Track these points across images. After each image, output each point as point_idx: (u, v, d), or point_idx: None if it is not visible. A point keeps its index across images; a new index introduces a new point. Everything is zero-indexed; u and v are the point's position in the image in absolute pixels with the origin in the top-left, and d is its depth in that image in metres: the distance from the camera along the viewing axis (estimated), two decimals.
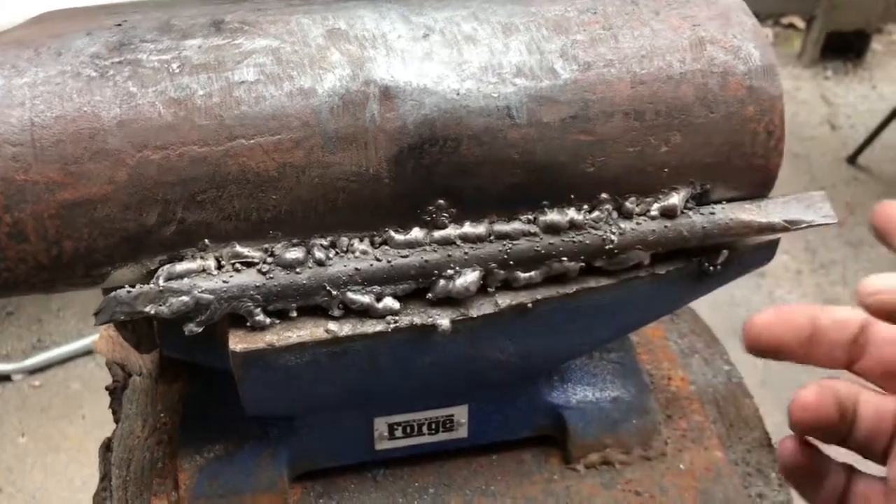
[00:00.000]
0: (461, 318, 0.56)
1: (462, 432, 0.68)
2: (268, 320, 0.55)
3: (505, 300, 0.57)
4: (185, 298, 0.53)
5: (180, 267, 0.54)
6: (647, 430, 0.70)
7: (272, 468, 0.65)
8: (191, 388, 0.71)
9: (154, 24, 0.56)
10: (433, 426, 0.67)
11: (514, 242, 0.56)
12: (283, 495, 0.66)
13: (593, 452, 0.69)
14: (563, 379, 0.69)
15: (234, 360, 0.54)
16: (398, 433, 0.67)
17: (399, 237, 0.56)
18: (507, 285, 0.58)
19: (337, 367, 0.57)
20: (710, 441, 0.72)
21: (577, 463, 0.69)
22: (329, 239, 0.56)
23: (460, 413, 0.67)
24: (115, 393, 0.79)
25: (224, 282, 0.54)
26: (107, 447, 0.75)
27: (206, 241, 0.54)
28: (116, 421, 0.78)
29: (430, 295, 0.56)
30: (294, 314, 0.55)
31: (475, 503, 0.67)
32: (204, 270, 0.54)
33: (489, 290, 0.57)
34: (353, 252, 0.56)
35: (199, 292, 0.53)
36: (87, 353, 1.95)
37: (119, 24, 0.57)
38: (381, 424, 0.66)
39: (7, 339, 1.99)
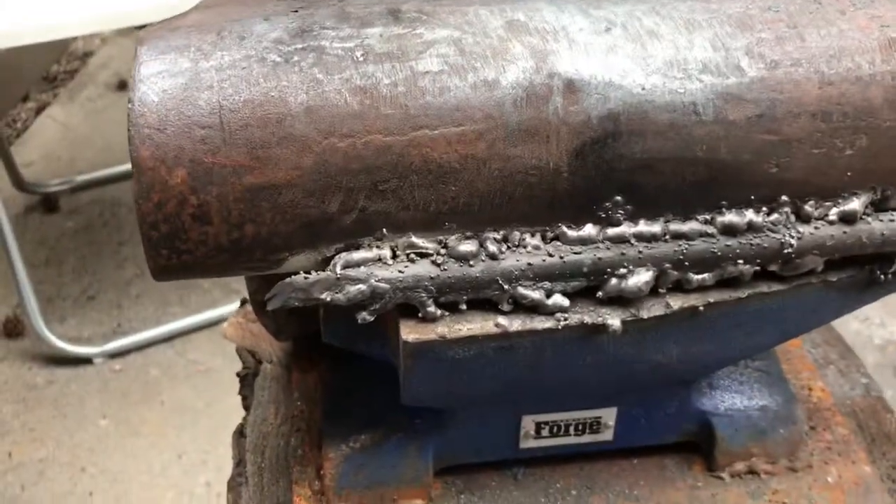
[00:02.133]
0: (631, 318, 0.55)
1: (607, 435, 0.67)
2: (439, 312, 0.54)
3: (676, 302, 0.56)
4: (361, 287, 0.53)
5: (357, 255, 0.53)
6: (794, 440, 0.68)
7: (418, 461, 0.65)
8: (331, 377, 0.71)
9: (331, 12, 0.56)
10: (580, 427, 0.66)
11: (690, 243, 0.55)
12: (427, 489, 0.66)
13: (739, 461, 0.68)
14: (712, 385, 0.68)
15: (404, 350, 0.54)
16: (545, 432, 0.66)
17: (572, 233, 0.55)
18: (679, 287, 0.56)
19: (501, 362, 0.56)
20: (857, 455, 0.70)
21: (721, 471, 0.68)
22: (502, 233, 0.55)
23: (608, 415, 0.66)
24: (246, 379, 0.79)
25: (399, 272, 0.53)
26: (240, 433, 0.75)
27: (384, 230, 0.54)
28: (246, 408, 0.78)
29: (600, 293, 0.55)
30: (464, 307, 0.55)
31: None
32: (380, 259, 0.54)
33: (660, 291, 0.56)
34: (524, 246, 0.55)
35: (376, 281, 0.53)
36: (166, 339, 1.98)
37: (295, 11, 0.57)
38: (528, 423, 0.65)
39: (88, 324, 2.03)
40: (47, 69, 2.79)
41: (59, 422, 1.81)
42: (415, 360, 0.55)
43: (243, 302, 0.84)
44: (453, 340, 0.54)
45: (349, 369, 0.70)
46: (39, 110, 2.68)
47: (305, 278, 0.53)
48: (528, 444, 0.67)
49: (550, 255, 0.55)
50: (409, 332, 0.54)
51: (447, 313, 0.55)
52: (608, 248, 0.55)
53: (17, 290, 1.86)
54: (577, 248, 0.55)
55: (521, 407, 0.65)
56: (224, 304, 1.97)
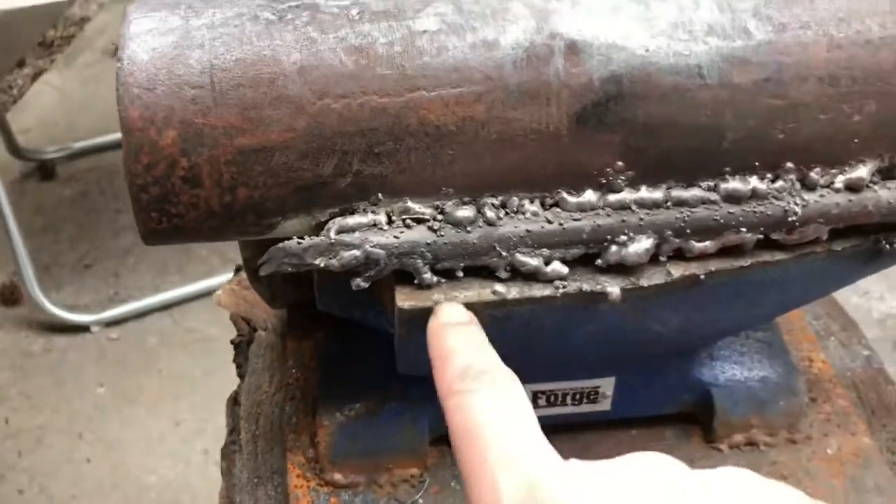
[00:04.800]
0: (631, 286, 0.54)
1: (605, 405, 0.66)
2: (434, 279, 0.53)
3: (677, 270, 0.55)
4: (356, 252, 0.52)
5: (352, 220, 0.52)
6: (794, 412, 0.68)
7: (414, 430, 0.64)
8: (327, 345, 0.70)
9: None
10: (577, 397, 0.65)
11: (692, 210, 0.54)
12: (423, 458, 0.65)
13: (738, 433, 0.67)
14: (712, 356, 0.67)
15: (399, 317, 0.53)
16: (541, 402, 0.65)
17: (572, 199, 0.54)
18: (679, 255, 0.55)
19: (498, 331, 0.55)
20: (856, 426, 0.69)
21: (720, 442, 0.67)
22: (500, 198, 0.54)
23: (607, 385, 0.65)
24: (240, 347, 0.79)
25: (395, 237, 0.52)
26: (234, 401, 0.74)
27: (380, 195, 0.52)
28: (240, 376, 0.77)
29: (599, 261, 0.54)
30: (460, 274, 0.54)
31: None
32: (375, 225, 0.53)
33: (661, 259, 0.55)
34: (523, 213, 0.54)
35: (371, 247, 0.52)
36: (163, 308, 1.98)
37: None
38: (525, 392, 0.64)
39: (85, 292, 2.02)
40: (43, 35, 2.76)
41: (57, 389, 1.82)
42: (410, 328, 0.54)
43: (237, 269, 0.83)
44: None
45: (345, 337, 0.69)
46: (35, 76, 2.66)
47: (299, 243, 0.52)
48: None
49: (549, 222, 0.53)
50: (405, 299, 0.53)
51: (443, 280, 0.54)
52: (608, 215, 0.54)
53: (13, 258, 1.86)
54: (576, 215, 0.54)
55: (518, 376, 0.64)
56: (222, 272, 1.97)
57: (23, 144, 2.29)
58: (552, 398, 0.65)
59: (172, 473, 1.67)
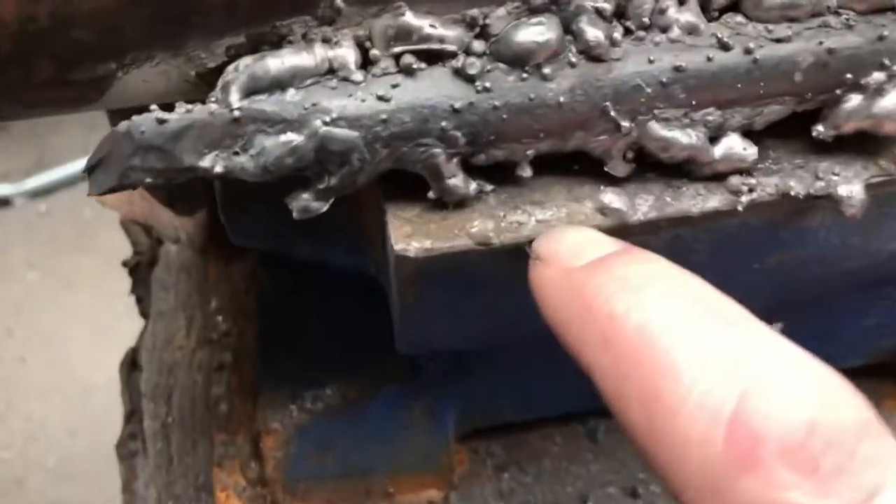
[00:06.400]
0: (882, 179, 0.26)
1: None
2: (472, 185, 0.24)
3: None
4: (293, 138, 0.22)
5: (275, 63, 0.23)
6: None
7: (429, 427, 0.37)
8: (271, 274, 0.42)
9: None
10: None
11: None
12: (446, 473, 0.38)
13: None
14: None
15: (400, 268, 0.24)
16: None
17: None
18: None
19: None
20: None
21: None
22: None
23: None
24: (138, 271, 0.50)
25: (381, 98, 0.23)
26: (132, 363, 0.47)
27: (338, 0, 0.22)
28: (144, 315, 0.49)
29: (820, 127, 0.25)
30: (527, 172, 0.25)
31: None
32: (332, 71, 0.23)
33: None
34: (663, 28, 0.24)
35: (327, 123, 0.22)
36: None
37: None
38: None
39: (3, 159, 1.72)
40: None
41: None
42: (423, 287, 0.26)
43: None
44: (507, 250, 0.24)
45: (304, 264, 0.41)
46: None
47: (160, 122, 0.22)
48: None
49: (724, 48, 0.24)
50: (410, 236, 0.24)
51: (491, 187, 0.25)
52: (849, 25, 0.24)
53: None
54: (781, 30, 0.24)
55: None
56: None
57: None
58: None
59: None
